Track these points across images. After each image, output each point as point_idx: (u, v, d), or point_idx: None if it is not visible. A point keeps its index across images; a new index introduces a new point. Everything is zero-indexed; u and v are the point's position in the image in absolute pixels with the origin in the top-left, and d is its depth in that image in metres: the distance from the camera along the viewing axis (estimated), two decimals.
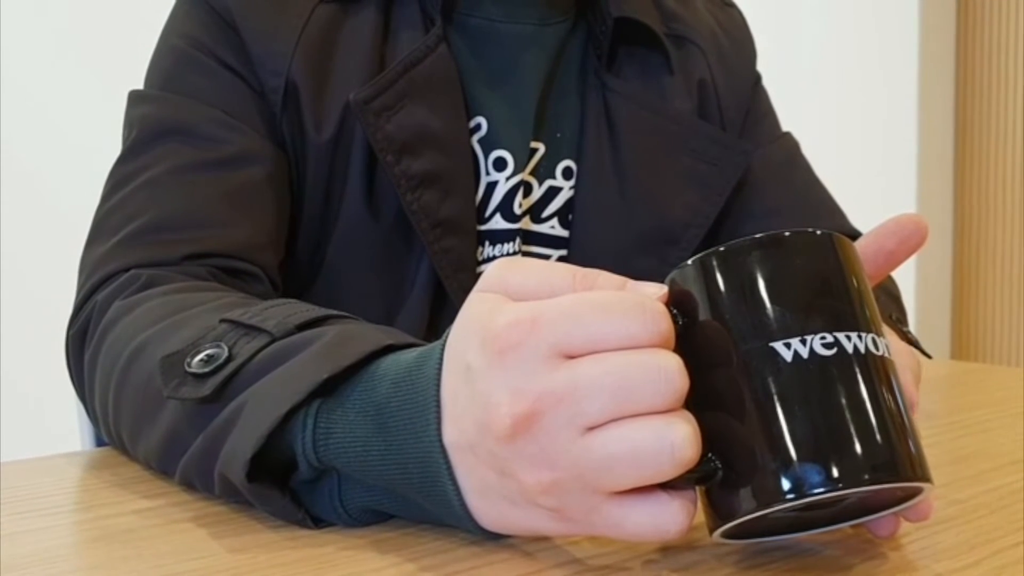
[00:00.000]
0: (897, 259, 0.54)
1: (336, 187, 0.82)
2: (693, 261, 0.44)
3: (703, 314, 0.43)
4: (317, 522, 0.51)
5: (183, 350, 0.56)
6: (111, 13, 2.23)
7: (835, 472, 0.40)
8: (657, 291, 0.44)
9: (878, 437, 0.41)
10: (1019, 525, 0.49)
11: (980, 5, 3.09)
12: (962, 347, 3.18)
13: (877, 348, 0.42)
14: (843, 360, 0.41)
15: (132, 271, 0.71)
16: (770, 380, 0.41)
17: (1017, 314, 3.03)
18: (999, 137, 3.06)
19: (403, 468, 0.46)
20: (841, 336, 0.41)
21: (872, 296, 0.45)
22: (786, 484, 0.40)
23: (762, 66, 1.05)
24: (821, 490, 0.40)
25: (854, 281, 0.44)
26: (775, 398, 0.41)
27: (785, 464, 0.40)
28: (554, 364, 0.40)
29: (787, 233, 0.43)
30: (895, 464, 0.41)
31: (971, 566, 0.44)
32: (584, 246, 0.89)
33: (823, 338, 0.41)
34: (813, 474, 0.40)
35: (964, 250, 3.16)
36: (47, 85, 2.25)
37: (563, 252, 0.90)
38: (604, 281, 0.43)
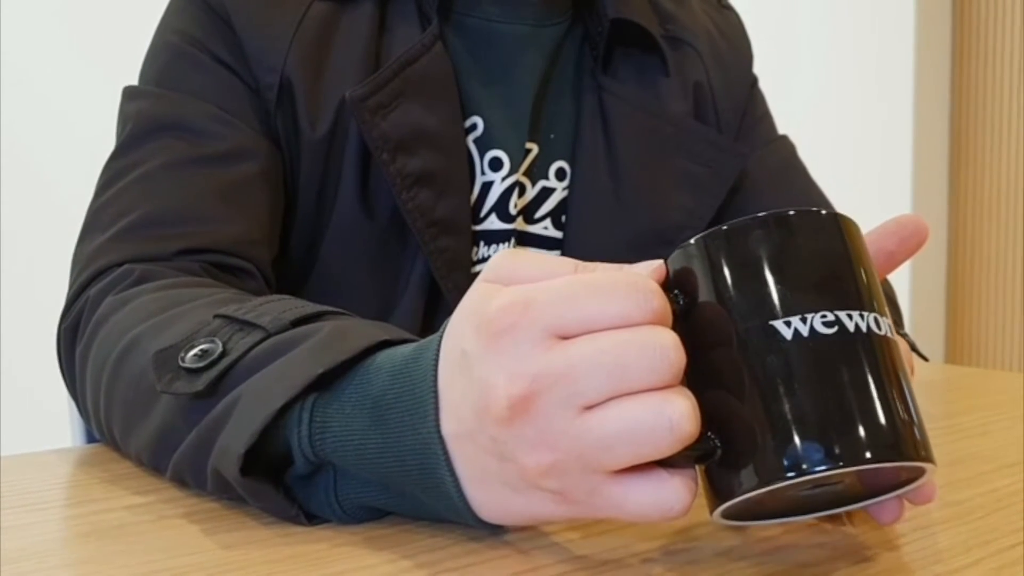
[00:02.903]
0: (897, 260, 0.53)
1: (330, 184, 0.82)
2: (696, 240, 0.43)
3: (704, 293, 0.42)
4: (311, 519, 0.50)
5: (177, 345, 0.56)
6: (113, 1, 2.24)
7: (836, 450, 0.39)
8: (648, 269, 0.43)
9: (880, 415, 0.40)
10: (1017, 526, 0.49)
11: (976, 11, 3.10)
12: (957, 352, 3.18)
13: (879, 328, 0.42)
14: (844, 339, 0.41)
15: (125, 266, 0.71)
16: (770, 358, 0.40)
17: (1012, 319, 3.04)
18: (994, 142, 3.07)
19: (400, 460, 0.46)
20: (843, 315, 0.41)
21: (876, 278, 0.44)
22: (786, 462, 0.40)
23: (758, 69, 1.05)
24: (822, 468, 0.39)
25: (857, 261, 0.43)
26: (775, 376, 0.40)
27: (785, 442, 0.40)
28: (549, 345, 0.40)
29: (791, 212, 0.43)
30: (897, 443, 0.40)
31: (969, 567, 0.44)
32: (578, 247, 0.89)
33: (824, 316, 0.41)
34: (813, 452, 0.39)
35: (959, 255, 3.16)
36: (49, 76, 2.26)
37: (556, 253, 0.89)
38: (602, 269, 0.43)
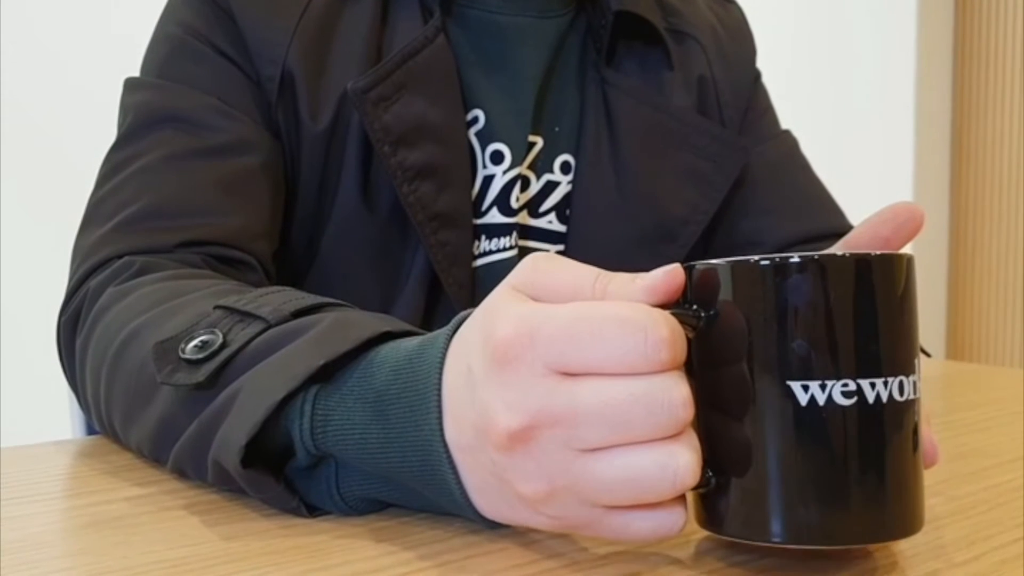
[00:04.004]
0: (892, 247, 0.53)
1: (331, 177, 0.82)
2: (727, 263, 0.41)
3: (725, 324, 0.41)
4: (312, 511, 0.50)
5: (177, 336, 0.55)
6: None
7: (826, 528, 0.40)
8: (664, 279, 0.41)
9: (876, 496, 0.40)
10: (1018, 521, 0.49)
11: (978, 9, 3.10)
12: (957, 348, 3.18)
13: (902, 392, 0.40)
14: (861, 411, 0.39)
15: (125, 258, 0.71)
16: (780, 419, 0.40)
17: (1012, 315, 3.04)
18: (995, 139, 3.07)
19: (403, 456, 0.46)
20: (865, 384, 0.39)
21: (916, 322, 0.42)
22: (775, 527, 0.40)
23: (760, 65, 1.05)
24: (809, 544, 0.40)
25: (901, 312, 0.41)
26: (780, 437, 0.40)
27: (778, 506, 0.40)
28: (552, 382, 0.39)
29: (833, 256, 0.40)
30: (883, 525, 0.40)
31: (970, 562, 0.44)
32: (582, 241, 0.89)
33: (845, 385, 0.39)
34: (804, 525, 0.40)
35: (960, 252, 3.16)
36: (49, 67, 2.25)
37: (560, 247, 0.89)
38: (615, 288, 0.41)
